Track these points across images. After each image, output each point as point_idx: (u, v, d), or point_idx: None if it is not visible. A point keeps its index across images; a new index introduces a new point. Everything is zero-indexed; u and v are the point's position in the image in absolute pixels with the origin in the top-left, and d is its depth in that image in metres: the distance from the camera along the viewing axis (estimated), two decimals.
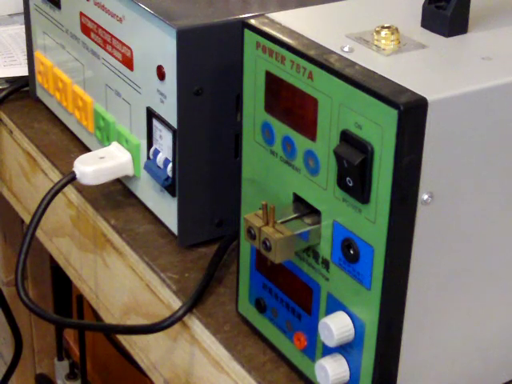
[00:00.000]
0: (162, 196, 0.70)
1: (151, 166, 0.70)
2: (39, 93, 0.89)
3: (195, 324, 0.63)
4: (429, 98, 0.46)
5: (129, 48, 0.70)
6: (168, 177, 0.68)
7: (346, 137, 0.49)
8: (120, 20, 0.71)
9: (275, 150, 0.55)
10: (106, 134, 0.76)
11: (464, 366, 0.56)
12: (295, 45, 0.52)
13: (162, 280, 0.67)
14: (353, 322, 0.52)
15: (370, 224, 0.49)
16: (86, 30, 0.77)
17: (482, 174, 0.51)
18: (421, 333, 0.52)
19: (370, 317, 0.51)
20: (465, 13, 0.54)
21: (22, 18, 0.90)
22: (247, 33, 0.55)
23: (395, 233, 0.48)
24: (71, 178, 0.72)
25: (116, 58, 0.72)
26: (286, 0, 0.69)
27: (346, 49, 0.51)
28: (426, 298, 0.52)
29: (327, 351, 0.54)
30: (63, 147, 0.83)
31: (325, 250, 0.53)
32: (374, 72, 0.49)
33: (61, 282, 1.24)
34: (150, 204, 0.73)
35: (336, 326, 0.52)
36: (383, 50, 0.52)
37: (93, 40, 0.76)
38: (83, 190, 0.77)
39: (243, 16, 0.65)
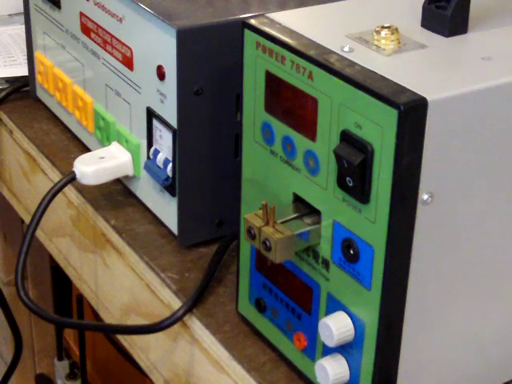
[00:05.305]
0: (162, 196, 0.70)
1: (151, 166, 0.70)
2: (39, 93, 0.89)
3: (195, 324, 0.63)
4: (429, 98, 0.46)
5: (129, 48, 0.70)
6: (168, 177, 0.68)
7: (346, 137, 0.49)
8: (120, 20, 0.71)
9: (275, 149, 0.55)
10: (105, 134, 0.76)
11: (464, 366, 0.56)
12: (295, 45, 0.52)
13: (161, 280, 0.67)
14: (353, 322, 0.52)
15: (370, 224, 0.49)
16: (86, 29, 0.77)
17: (482, 173, 0.51)
18: (421, 333, 0.52)
19: (370, 317, 0.51)
20: (465, 13, 0.54)
21: (22, 18, 0.90)
22: (247, 33, 0.55)
23: (395, 233, 0.48)
24: (71, 178, 0.72)
25: (116, 58, 0.72)
26: (285, 0, 0.69)
27: (345, 49, 0.51)
28: (426, 298, 0.52)
29: (327, 351, 0.54)
30: (63, 147, 0.83)
31: (325, 249, 0.53)
32: (374, 72, 0.49)
33: (61, 282, 1.24)
34: (149, 204, 0.73)
35: (336, 326, 0.52)
36: (383, 50, 0.52)
37: (93, 40, 0.76)
38: (83, 190, 0.77)
39: (243, 16, 0.65)
